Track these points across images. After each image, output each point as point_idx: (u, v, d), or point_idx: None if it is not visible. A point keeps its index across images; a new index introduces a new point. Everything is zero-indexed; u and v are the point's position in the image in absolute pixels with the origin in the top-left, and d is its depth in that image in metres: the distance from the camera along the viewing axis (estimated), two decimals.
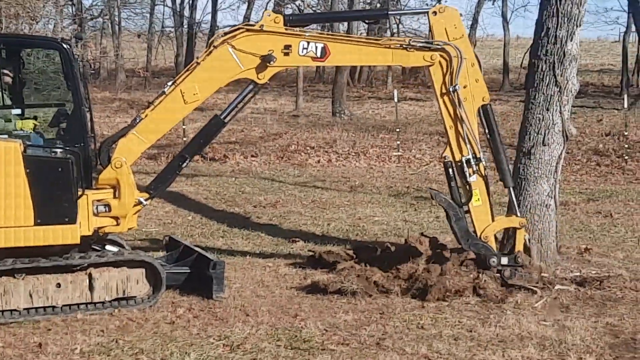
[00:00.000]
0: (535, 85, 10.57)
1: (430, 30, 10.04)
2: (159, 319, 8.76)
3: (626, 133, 22.39)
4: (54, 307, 8.72)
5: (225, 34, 9.65)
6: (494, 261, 9.86)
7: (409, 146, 23.64)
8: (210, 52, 9.51)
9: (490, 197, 10.06)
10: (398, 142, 22.98)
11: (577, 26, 10.44)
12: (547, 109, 10.47)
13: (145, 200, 9.39)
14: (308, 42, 9.64)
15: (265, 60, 9.47)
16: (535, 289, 9.68)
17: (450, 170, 10.00)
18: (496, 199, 14.44)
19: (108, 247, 9.57)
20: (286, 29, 9.64)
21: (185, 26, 52.37)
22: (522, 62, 43.22)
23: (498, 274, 9.85)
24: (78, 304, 8.83)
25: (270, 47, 9.50)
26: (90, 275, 8.84)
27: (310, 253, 11.35)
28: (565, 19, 10.38)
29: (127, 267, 9.07)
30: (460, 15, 10.06)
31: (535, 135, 10.52)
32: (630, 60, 42.41)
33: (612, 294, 9.65)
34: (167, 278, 9.24)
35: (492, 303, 9.29)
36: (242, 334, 8.25)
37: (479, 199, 9.95)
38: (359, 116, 32.18)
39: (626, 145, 21.57)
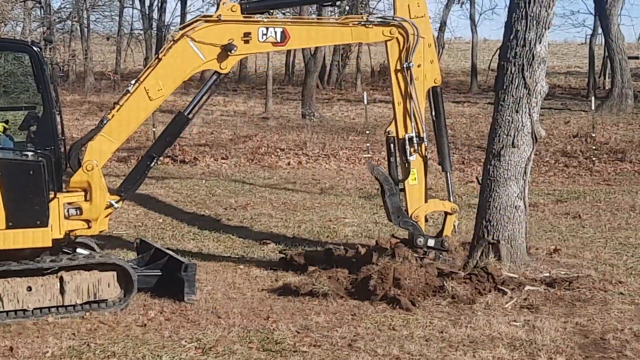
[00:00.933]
0: (505, 87, 10.63)
1: (394, 6, 10.10)
2: (130, 322, 8.75)
3: (593, 135, 22.57)
4: (25, 310, 8.69)
5: (184, 27, 9.66)
6: (420, 241, 10.00)
7: (379, 148, 23.63)
8: (171, 46, 9.51)
9: (426, 179, 10.14)
10: (368, 144, 23.03)
11: (545, 29, 10.52)
12: (516, 111, 10.54)
13: (116, 202, 9.38)
14: (267, 28, 9.67)
15: (226, 50, 9.49)
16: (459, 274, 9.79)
17: (392, 146, 10.10)
18: (466, 200, 14.54)
19: (79, 250, 9.53)
20: (244, 17, 9.65)
21: (155, 29, 52.27)
22: (490, 65, 43.55)
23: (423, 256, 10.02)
24: (49, 307, 8.81)
25: (229, 36, 9.51)
26: (61, 279, 8.81)
27: (281, 255, 11.37)
28: (534, 21, 10.46)
29: (98, 270, 9.05)
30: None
31: (505, 137, 10.58)
32: (597, 63, 42.74)
33: (581, 294, 9.72)
34: (138, 281, 9.23)
35: (463, 304, 9.35)
36: (214, 337, 8.26)
37: (415, 178, 10.08)
38: (328, 118, 32.21)
39: (594, 147, 21.73)
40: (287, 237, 13.02)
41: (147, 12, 53.68)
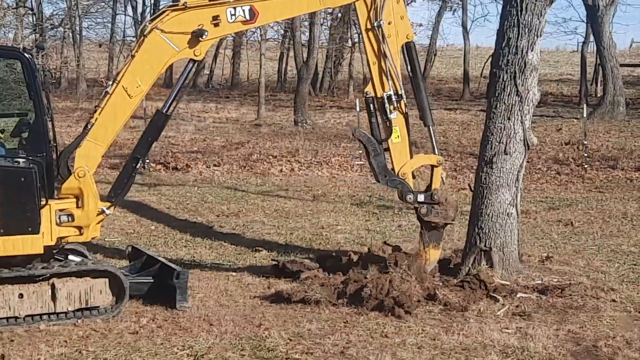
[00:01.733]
0: (497, 94, 10.65)
1: None
2: (122, 329, 8.73)
3: (585, 142, 22.61)
4: (16, 317, 8.67)
5: (152, 19, 9.64)
6: (410, 197, 10.03)
7: None
8: (142, 41, 9.48)
9: (409, 135, 10.14)
10: (360, 151, 23.00)
11: (537, 36, 10.55)
12: (509, 118, 10.56)
13: (108, 209, 9.35)
14: (234, 8, 9.64)
15: (197, 36, 9.47)
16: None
17: (372, 106, 10.10)
18: (458, 207, 14.58)
19: (71, 257, 9.51)
20: (210, 1, 9.64)
21: None
22: (482, 72, 43.60)
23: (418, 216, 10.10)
24: (41, 315, 8.79)
25: (198, 21, 9.50)
26: (53, 286, 8.79)
27: (274, 262, 11.36)
28: (526, 29, 10.48)
29: (90, 277, 9.03)
30: None
31: (497, 144, 10.60)
32: (589, 70, 42.81)
33: (573, 301, 9.73)
34: (130, 288, 9.21)
35: (455, 311, 9.35)
36: (206, 344, 8.24)
37: (398, 135, 10.06)
38: (320, 125, 32.22)
39: (585, 154, 21.77)
40: (279, 244, 13.01)
41: (140, 19, 53.63)
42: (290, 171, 21.46)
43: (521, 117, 10.55)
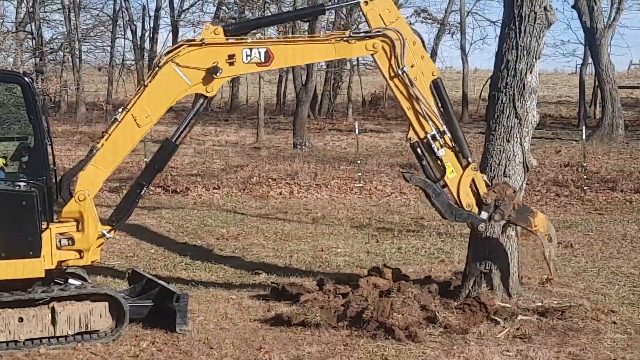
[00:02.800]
0: (496, 117, 10.68)
1: (365, 20, 10.10)
2: (122, 352, 8.72)
3: (585, 164, 22.64)
4: (16, 341, 8.65)
5: (168, 52, 9.67)
6: (482, 227, 9.96)
7: (370, 178, 23.72)
8: (156, 72, 9.50)
9: (462, 165, 10.02)
10: (359, 174, 23.06)
11: (536, 59, 10.59)
12: (508, 141, 10.59)
13: (108, 232, 9.35)
14: (251, 49, 9.65)
15: (211, 73, 9.48)
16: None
17: (418, 149, 10.03)
18: (458, 229, 14.49)
19: (71, 280, 9.50)
20: (227, 39, 9.68)
21: (146, 59, 52.35)
22: (480, 94, 43.63)
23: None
24: (41, 339, 8.77)
25: (214, 59, 9.51)
26: (53, 309, 8.78)
27: (274, 285, 11.35)
28: (525, 51, 10.53)
29: (90, 300, 9.02)
30: None
31: (496, 166, 10.62)
32: (587, 92, 42.90)
33: (573, 324, 9.72)
34: (130, 311, 9.20)
35: (456, 334, 9.33)
36: None
37: (452, 170, 9.97)
38: (320, 148, 32.26)
39: (585, 176, 21.79)
40: (279, 267, 13.00)
41: (139, 43, 53.86)
42: (289, 194, 21.46)
43: (520, 139, 10.57)
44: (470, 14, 51.62)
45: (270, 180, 23.09)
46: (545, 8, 10.59)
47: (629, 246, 14.62)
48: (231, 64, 9.58)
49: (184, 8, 52.50)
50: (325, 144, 34.20)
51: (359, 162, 24.10)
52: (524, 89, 10.54)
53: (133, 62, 54.88)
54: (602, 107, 36.63)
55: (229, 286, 11.71)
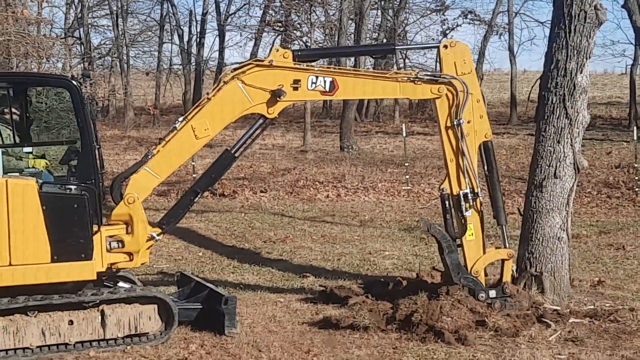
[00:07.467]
0: (546, 117, 10.57)
1: (439, 63, 10.06)
2: (171, 355, 8.73)
3: (636, 165, 22.32)
4: (66, 344, 8.70)
5: (235, 69, 9.68)
6: (482, 296, 9.87)
7: (418, 180, 23.63)
8: (220, 87, 9.53)
9: (483, 233, 10.04)
10: (407, 176, 22.97)
11: (586, 58, 10.47)
12: (558, 142, 10.47)
13: (158, 235, 9.38)
14: (317, 77, 9.67)
15: (275, 95, 9.50)
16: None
17: (447, 202, 10.02)
18: (507, 232, 14.40)
19: (120, 283, 9.54)
20: (295, 64, 9.68)
21: (193, 64, 52.69)
22: (529, 95, 43.24)
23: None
24: (90, 341, 8.80)
25: (279, 81, 9.54)
26: (102, 312, 8.82)
27: (321, 288, 11.33)
28: (575, 51, 10.41)
29: (139, 303, 9.05)
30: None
31: (547, 167, 10.51)
32: (638, 93, 42.38)
33: (626, 326, 9.58)
34: (179, 314, 9.21)
35: (506, 337, 9.23)
36: None
37: (472, 233, 9.95)
38: (367, 151, 32.20)
39: (636, 177, 21.50)
40: (326, 270, 12.97)
41: (186, 48, 54.16)
42: (336, 197, 21.42)
43: (571, 140, 10.45)
44: (518, 14, 51.26)
45: (317, 183, 23.09)
46: (595, 7, 10.46)
47: None
48: (295, 88, 9.60)
49: (230, 12, 52.69)
50: (372, 146, 34.14)
51: (406, 164, 24.01)
52: (575, 89, 10.42)
53: (180, 67, 55.23)
54: None
55: (277, 289, 11.70)
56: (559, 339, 9.20)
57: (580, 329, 9.49)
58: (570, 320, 9.72)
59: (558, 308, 10.05)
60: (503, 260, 10.13)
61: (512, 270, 10.19)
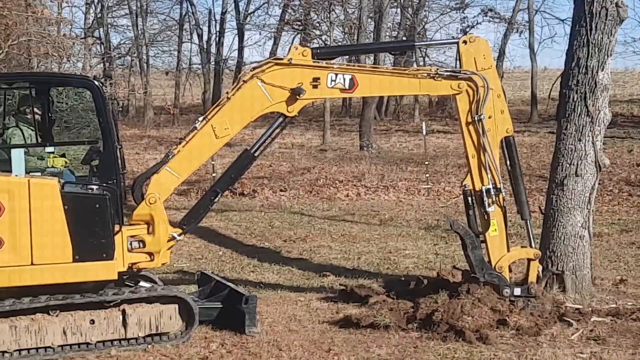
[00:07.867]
0: (567, 115, 10.53)
1: (458, 59, 10.02)
2: (192, 354, 8.74)
3: None
4: (88, 343, 8.72)
5: (254, 68, 9.68)
6: (507, 292, 9.80)
7: (438, 179, 23.58)
8: (240, 86, 9.54)
9: (507, 228, 10.00)
10: (427, 175, 22.92)
11: (608, 56, 10.41)
12: (579, 140, 10.43)
13: (179, 235, 9.40)
14: (336, 74, 9.66)
15: (295, 93, 9.50)
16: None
17: (470, 198, 9.97)
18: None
19: (141, 283, 9.57)
20: (314, 62, 9.68)
21: (213, 63, 52.76)
22: (550, 93, 43.14)
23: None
24: (112, 341, 8.82)
25: (299, 80, 9.53)
26: (123, 312, 8.83)
27: (342, 287, 11.31)
28: (596, 48, 10.36)
29: (160, 302, 9.07)
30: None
31: (568, 166, 10.47)
32: None
33: None
34: (199, 313, 9.22)
35: (528, 336, 9.19)
36: None
37: (495, 229, 9.89)
38: (386, 149, 32.17)
39: None
40: (346, 268, 12.96)
41: (205, 47, 54.23)
42: (356, 196, 21.41)
43: (592, 138, 10.40)
44: (538, 12, 51.11)
45: (337, 182, 23.08)
46: (616, 4, 10.40)
47: None
48: (315, 86, 9.59)
49: (249, 11, 52.75)
50: (392, 145, 34.10)
51: (426, 163, 23.95)
52: (596, 86, 10.37)
53: (200, 66, 55.34)
54: None
55: (297, 288, 11.70)
56: (580, 338, 9.16)
57: (602, 328, 9.43)
58: (592, 319, 9.67)
59: (580, 307, 10.01)
60: (529, 260, 10.07)
61: (538, 271, 10.13)
